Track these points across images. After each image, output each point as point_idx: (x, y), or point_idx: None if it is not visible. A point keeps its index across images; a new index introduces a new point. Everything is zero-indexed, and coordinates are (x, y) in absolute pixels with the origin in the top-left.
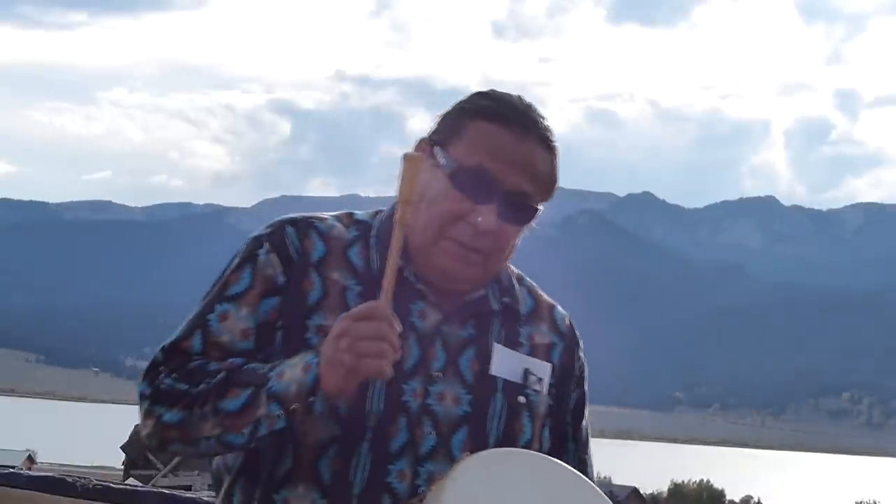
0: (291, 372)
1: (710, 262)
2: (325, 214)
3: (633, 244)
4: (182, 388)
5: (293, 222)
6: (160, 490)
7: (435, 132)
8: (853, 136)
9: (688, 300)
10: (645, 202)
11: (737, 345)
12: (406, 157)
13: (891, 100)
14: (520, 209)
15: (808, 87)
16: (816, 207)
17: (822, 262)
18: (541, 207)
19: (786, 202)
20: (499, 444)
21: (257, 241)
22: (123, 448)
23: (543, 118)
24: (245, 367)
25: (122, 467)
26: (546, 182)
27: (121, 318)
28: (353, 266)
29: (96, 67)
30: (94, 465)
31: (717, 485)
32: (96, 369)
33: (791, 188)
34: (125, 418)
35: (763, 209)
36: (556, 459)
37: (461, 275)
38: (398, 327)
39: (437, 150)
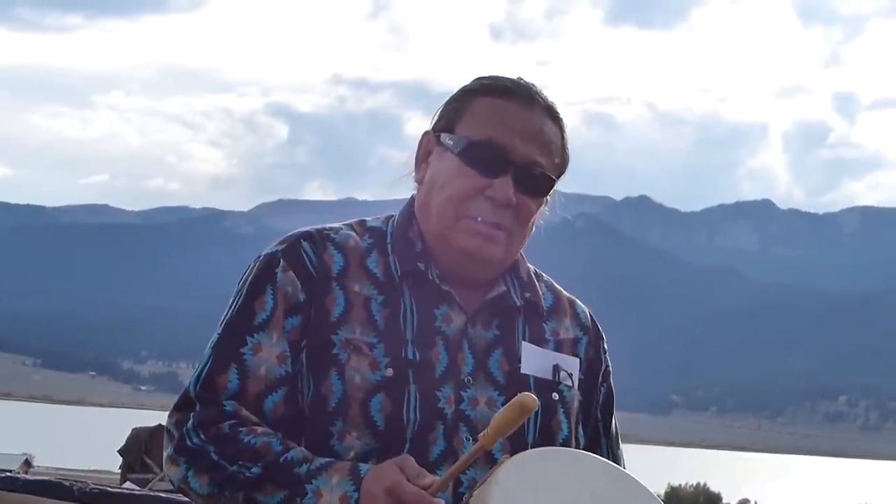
0: (329, 496)
1: (706, 266)
2: (338, 224)
3: (630, 247)
4: (212, 456)
5: (308, 237)
6: (157, 494)
7: (438, 121)
8: (851, 139)
9: (684, 303)
10: (642, 205)
11: (734, 348)
12: (520, 401)
13: (889, 102)
14: (535, 179)
15: (806, 90)
16: (813, 211)
17: (819, 266)
18: (556, 180)
19: (783, 205)
20: (537, 443)
21: (273, 259)
22: (120, 452)
23: (546, 95)
24: (282, 458)
25: (119, 471)
26: (558, 154)
27: (117, 321)
28: (374, 275)
29: (93, 71)
30: (91, 468)
31: (714, 488)
32: (93, 373)
33: (789, 191)
34: (122, 422)
35: (759, 212)
36: (597, 456)
37: (484, 253)
38: None
39: (443, 135)
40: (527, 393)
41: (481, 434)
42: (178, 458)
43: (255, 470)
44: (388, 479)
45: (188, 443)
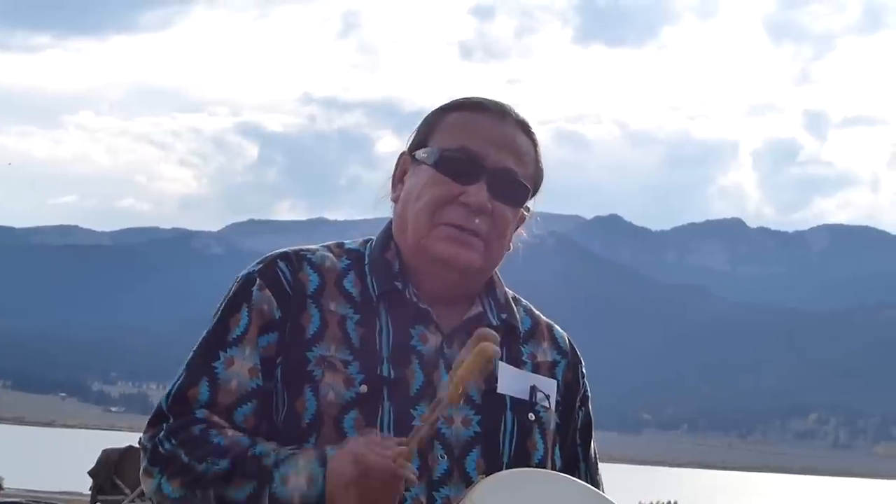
0: (296, 479)
1: (676, 284)
2: (315, 245)
3: (600, 266)
4: (183, 459)
5: (284, 257)
6: None
7: (412, 141)
8: (821, 157)
9: (655, 322)
10: (612, 224)
11: (704, 366)
12: (481, 347)
13: (859, 120)
14: (510, 186)
15: (777, 108)
16: (783, 229)
17: (788, 284)
18: (531, 190)
19: (753, 223)
20: (512, 463)
21: (249, 279)
22: (90, 473)
23: (519, 111)
24: (250, 452)
25: (90, 492)
26: (531, 167)
27: (87, 342)
28: (350, 295)
29: (62, 91)
30: (62, 490)
31: None
32: (63, 394)
33: (759, 209)
34: (92, 443)
35: (729, 231)
36: (572, 477)
37: (462, 260)
38: (414, 479)
39: (417, 152)
40: (484, 336)
41: (443, 392)
42: (152, 468)
43: (223, 464)
44: (353, 452)
45: (160, 450)
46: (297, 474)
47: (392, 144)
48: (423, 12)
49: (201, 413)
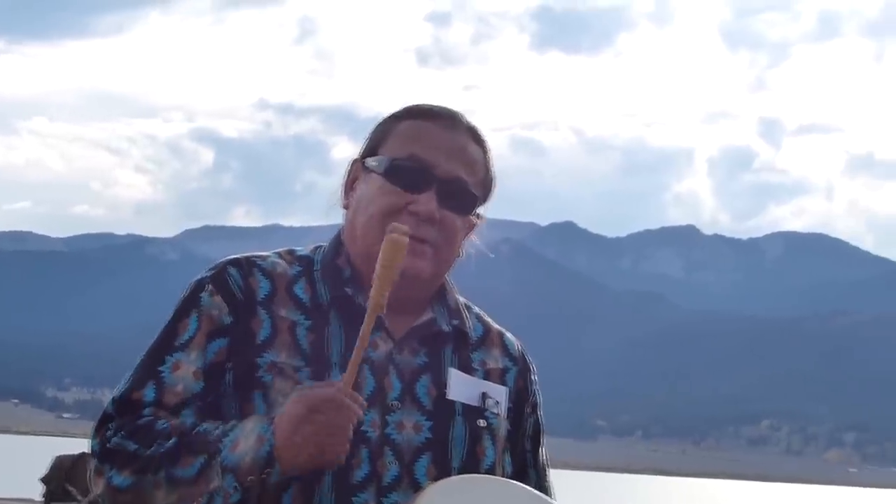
0: (245, 442)
1: (631, 291)
2: (266, 252)
3: (555, 273)
4: (131, 448)
5: (235, 263)
6: None
7: (364, 148)
8: (776, 165)
9: (609, 329)
10: (567, 231)
11: (658, 373)
12: (389, 239)
13: (814, 128)
14: (459, 194)
15: (732, 116)
16: (737, 236)
17: (742, 291)
18: (481, 199)
19: (708, 230)
20: (462, 469)
21: (199, 285)
22: (43, 479)
23: (470, 119)
24: (196, 430)
25: (42, 499)
26: (481, 174)
27: (41, 348)
28: (300, 301)
29: (15, 96)
30: (14, 497)
31: None
32: (16, 401)
33: (714, 216)
34: (45, 449)
35: (684, 238)
36: (521, 484)
37: (411, 269)
38: (360, 413)
39: (368, 160)
40: (392, 228)
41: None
42: (102, 466)
43: (170, 444)
44: (297, 395)
45: (108, 446)
46: (246, 438)
47: (348, 150)
48: (380, 18)
49: (148, 411)
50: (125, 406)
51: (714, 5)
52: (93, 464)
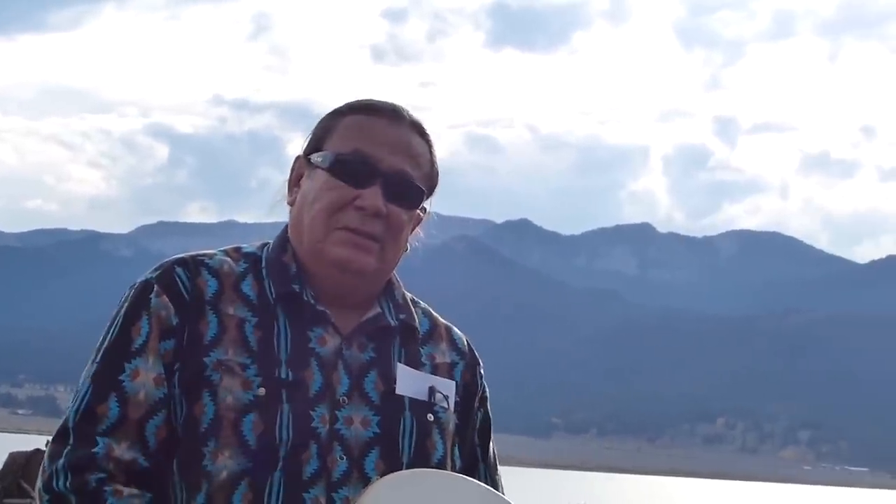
0: None
1: (586, 289)
2: (213, 251)
3: (510, 271)
4: None
5: (182, 262)
6: None
7: (308, 144)
8: (731, 163)
9: (564, 326)
10: (522, 228)
11: (613, 371)
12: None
13: (769, 126)
14: (405, 188)
15: (687, 114)
16: (692, 234)
17: (697, 289)
18: (426, 192)
19: (662, 229)
20: (412, 464)
21: (146, 286)
22: None
23: (413, 114)
24: None
25: None
26: (426, 168)
27: None
28: (248, 298)
29: None
30: None
31: None
32: None
33: (669, 214)
34: None
35: (638, 236)
36: (471, 478)
37: (357, 264)
38: None
39: (312, 156)
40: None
41: None
42: (45, 495)
43: None
44: None
45: (54, 484)
46: None
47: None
48: (335, 14)
49: (102, 448)
50: (86, 421)
51: (669, 4)
52: (40, 480)
